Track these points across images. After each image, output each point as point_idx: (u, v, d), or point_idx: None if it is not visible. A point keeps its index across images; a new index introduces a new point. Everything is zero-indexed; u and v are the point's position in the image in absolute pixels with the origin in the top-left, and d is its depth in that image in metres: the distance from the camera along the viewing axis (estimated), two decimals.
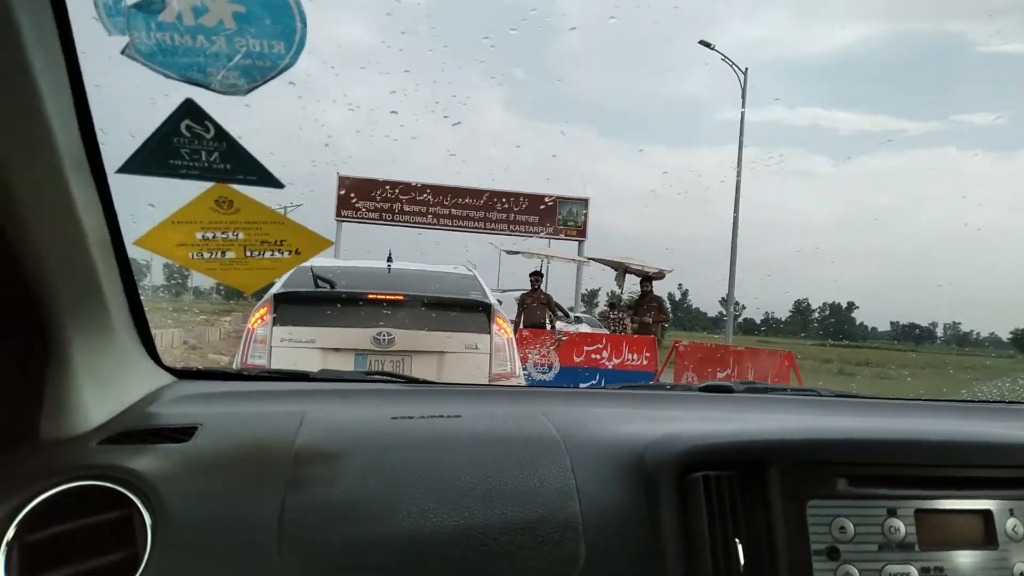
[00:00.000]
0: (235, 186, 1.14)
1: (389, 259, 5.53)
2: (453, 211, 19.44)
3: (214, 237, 1.22)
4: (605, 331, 14.76)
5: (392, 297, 4.63)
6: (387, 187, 18.76)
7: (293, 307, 4.47)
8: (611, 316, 16.07)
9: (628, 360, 11.46)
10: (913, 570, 1.08)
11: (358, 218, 18.77)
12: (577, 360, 11.42)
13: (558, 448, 1.18)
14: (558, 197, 20.03)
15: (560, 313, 13.55)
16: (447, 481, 1.10)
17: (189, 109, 1.03)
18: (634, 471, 1.14)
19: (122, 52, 0.93)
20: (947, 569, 1.09)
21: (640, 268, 14.72)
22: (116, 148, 1.07)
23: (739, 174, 21.48)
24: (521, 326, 11.71)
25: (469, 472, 1.12)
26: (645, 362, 11.53)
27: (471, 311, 4.74)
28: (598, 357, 11.46)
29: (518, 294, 17.18)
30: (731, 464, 1.10)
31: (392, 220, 19.11)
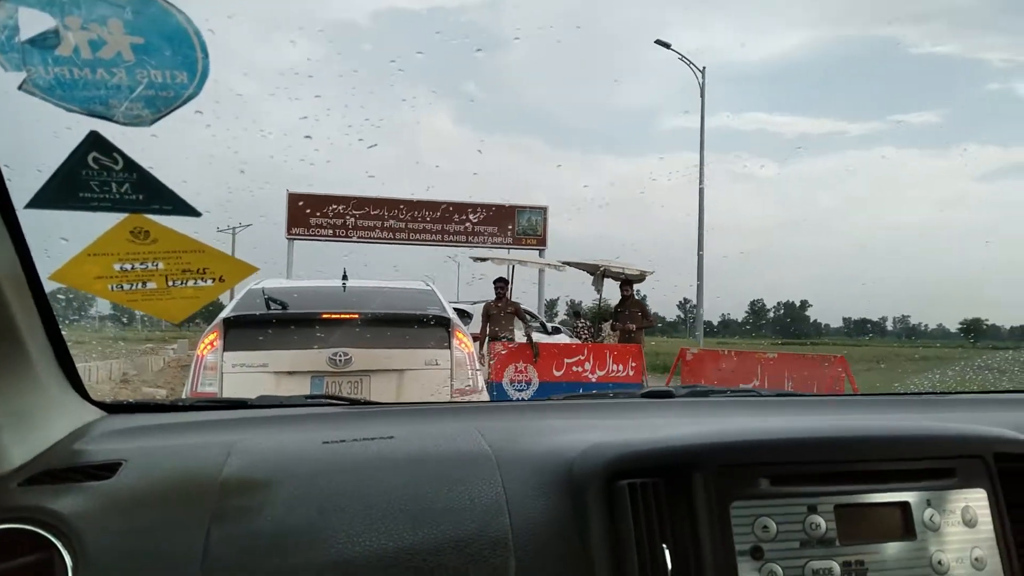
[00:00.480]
0: (151, 216, 1.13)
1: (344, 277, 5.44)
2: (409, 224, 19.13)
3: (133, 268, 1.21)
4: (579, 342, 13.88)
5: (347, 316, 4.53)
6: (339, 203, 18.50)
7: (244, 331, 4.35)
8: (577, 325, 15.63)
9: (613, 371, 10.76)
10: (835, 565, 1.11)
11: (310, 236, 18.43)
12: (557, 374, 10.59)
13: (489, 464, 1.19)
14: (516, 206, 19.82)
15: (533, 322, 12.48)
16: (378, 504, 1.10)
17: (95, 141, 1.02)
18: (563, 482, 1.15)
19: (19, 88, 0.92)
20: (867, 562, 1.12)
21: (620, 270, 13.83)
22: (24, 183, 1.05)
23: (702, 176, 21.71)
24: (488, 339, 10.77)
25: (400, 494, 1.12)
26: (631, 372, 10.82)
27: (430, 326, 4.64)
28: (580, 370, 10.68)
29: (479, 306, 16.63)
30: (656, 470, 1.12)
31: (346, 236, 18.79)
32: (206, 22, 0.90)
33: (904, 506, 1.16)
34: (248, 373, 4.21)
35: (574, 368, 10.65)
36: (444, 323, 4.67)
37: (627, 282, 12.16)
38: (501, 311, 11.03)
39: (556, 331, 16.34)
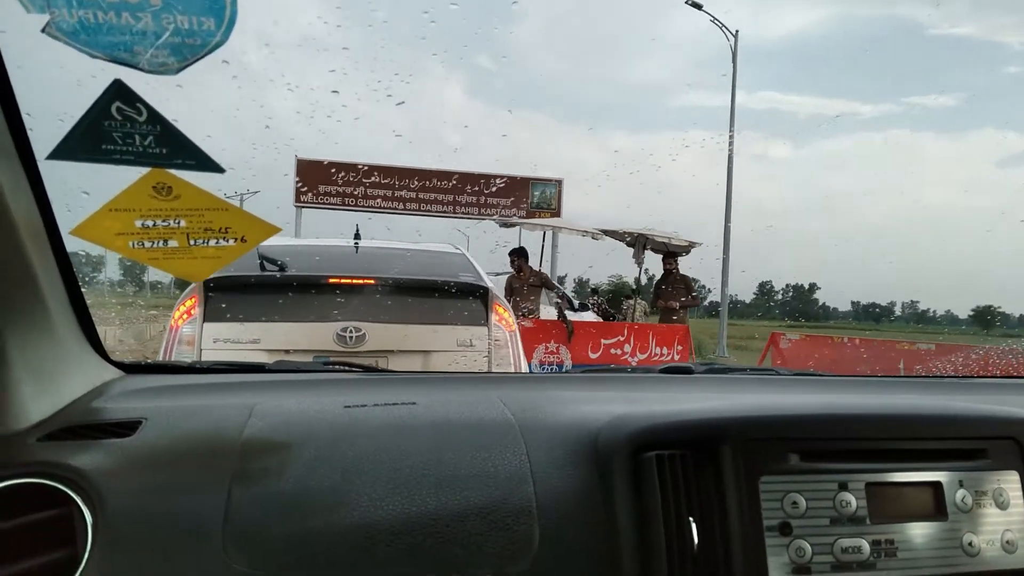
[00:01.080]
0: (173, 171, 1.10)
1: (356, 236, 4.56)
2: (420, 195, 18.87)
3: (154, 225, 1.18)
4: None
5: (361, 281, 3.68)
6: (349, 170, 18.34)
7: (230, 297, 3.50)
8: (590, 303, 14.53)
9: (656, 355, 9.66)
10: (864, 543, 1.09)
11: (319, 204, 18.31)
12: (593, 356, 9.47)
13: (513, 432, 1.17)
14: (530, 178, 19.21)
15: (561, 298, 10.92)
16: (400, 469, 1.09)
17: (119, 91, 0.98)
18: (588, 452, 1.13)
19: (43, 30, 0.89)
20: (897, 541, 1.10)
21: (665, 240, 12.14)
22: (45, 134, 1.02)
23: (732, 143, 21.17)
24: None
25: (423, 459, 1.11)
26: (677, 356, 9.76)
27: (463, 298, 3.77)
28: (619, 352, 9.60)
29: (502, 278, 15.59)
30: (684, 443, 1.11)
31: (355, 205, 18.60)
32: None
33: (936, 486, 1.14)
34: (235, 351, 3.41)
35: (612, 350, 9.65)
36: (481, 294, 3.80)
37: (670, 254, 10.89)
38: (524, 284, 9.92)
39: (584, 308, 14.60)
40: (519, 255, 10.28)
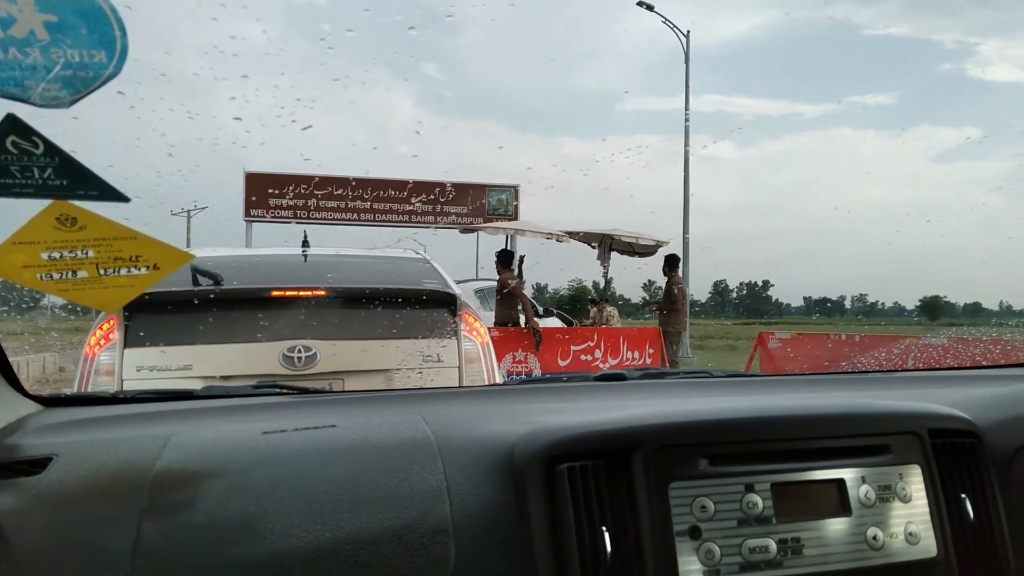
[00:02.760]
0: (77, 202, 1.09)
1: (305, 243, 4.16)
2: (375, 205, 18.62)
3: (61, 257, 1.17)
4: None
5: (310, 293, 3.24)
6: (300, 183, 18.07)
7: (155, 317, 3.03)
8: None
9: (627, 359, 9.52)
10: (771, 542, 1.12)
11: (270, 217, 18.01)
12: (563, 363, 9.22)
13: (431, 450, 1.18)
14: (486, 185, 19.00)
15: (526, 302, 10.88)
16: (316, 495, 1.08)
17: (12, 125, 0.97)
18: (504, 467, 1.15)
19: None
20: (804, 539, 1.14)
21: (632, 240, 12.05)
22: None
23: (687, 140, 21.35)
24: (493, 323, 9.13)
25: (340, 483, 1.11)
26: (649, 359, 9.63)
27: (428, 307, 3.34)
28: (589, 358, 9.41)
29: (476, 285, 13.64)
30: (596, 453, 1.13)
31: (308, 218, 18.28)
32: None
33: (839, 483, 1.18)
34: (162, 380, 2.95)
35: (582, 356, 9.43)
36: (448, 302, 3.37)
37: (644, 254, 10.86)
38: (509, 289, 9.30)
39: (548, 313, 14.31)
40: (507, 255, 9.73)
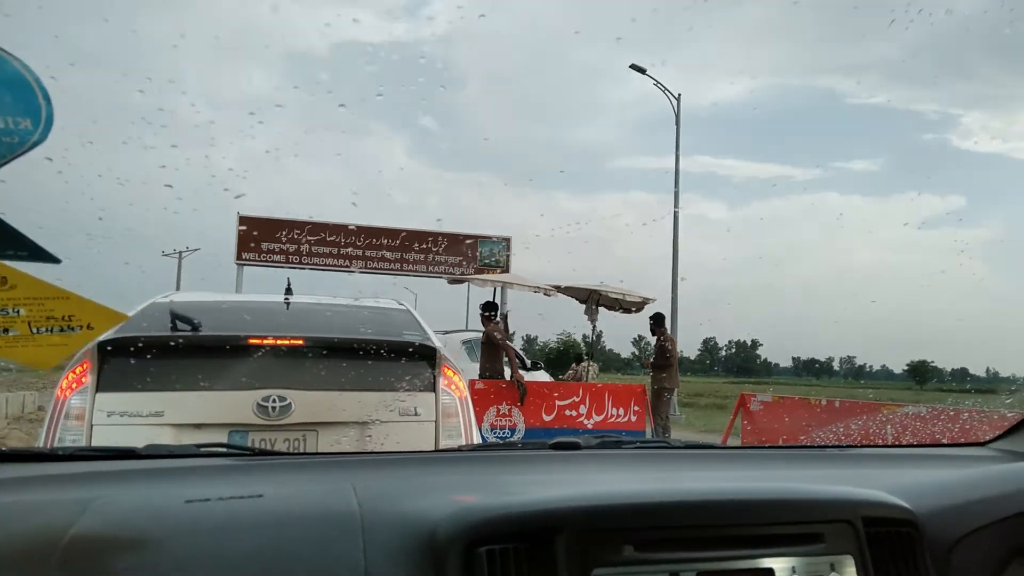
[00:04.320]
0: (6, 262, 1.08)
1: (288, 290, 4.15)
2: (367, 252, 18.69)
3: None
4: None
5: (288, 342, 3.20)
6: (293, 228, 18.13)
7: (129, 362, 2.98)
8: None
9: (612, 416, 9.48)
10: None
11: (261, 261, 18.02)
12: (547, 419, 9.14)
13: (354, 526, 1.15)
14: (478, 236, 19.13)
15: (512, 355, 10.47)
16: (234, 569, 1.05)
17: None
18: (426, 547, 1.11)
19: None
20: None
21: (619, 297, 12.15)
22: None
23: (677, 200, 21.68)
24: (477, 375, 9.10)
25: (260, 557, 1.07)
26: (634, 418, 9.60)
27: (407, 360, 3.31)
28: (574, 414, 9.34)
29: (464, 336, 13.79)
30: (519, 535, 1.09)
31: (299, 263, 18.30)
32: (47, 69, 0.87)
33: (768, 573, 1.15)
34: (132, 427, 2.89)
35: (567, 412, 9.39)
36: (427, 355, 3.33)
37: (630, 310, 10.93)
38: (505, 338, 9.31)
39: (536, 367, 14.15)
40: (492, 307, 9.76)
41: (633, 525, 1.13)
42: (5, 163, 0.94)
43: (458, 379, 3.42)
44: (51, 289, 1.13)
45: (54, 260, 1.08)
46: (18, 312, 1.14)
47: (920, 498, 1.34)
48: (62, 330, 1.19)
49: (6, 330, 1.17)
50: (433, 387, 3.28)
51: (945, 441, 2.19)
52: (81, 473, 1.39)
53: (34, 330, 1.18)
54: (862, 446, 2.09)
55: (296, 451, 3.04)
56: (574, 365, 12.43)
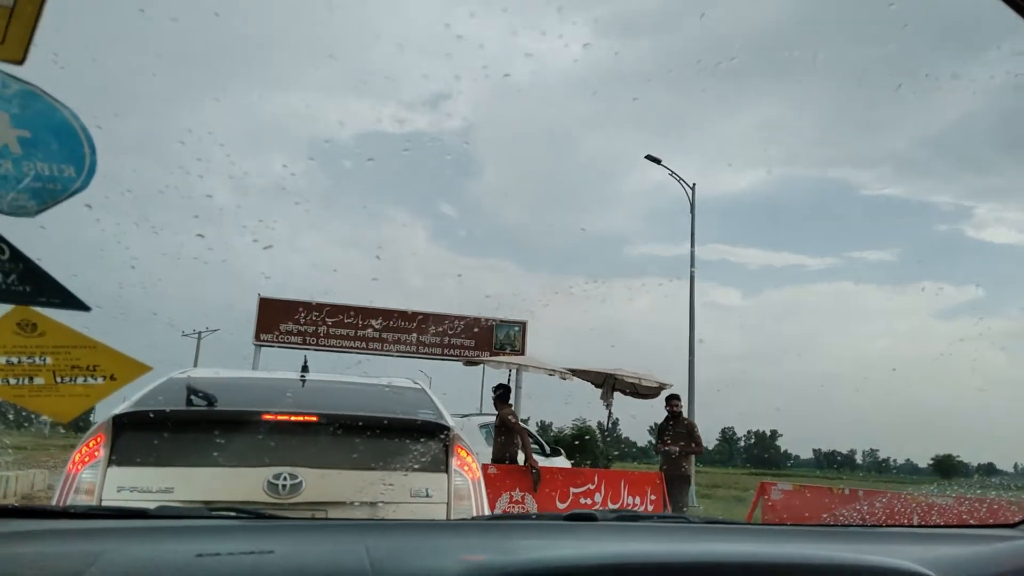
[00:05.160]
0: (38, 308, 1.11)
1: (304, 368, 4.13)
2: (383, 335, 18.81)
3: (19, 362, 1.17)
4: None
5: (302, 419, 3.20)
6: (311, 309, 18.33)
7: (144, 436, 3.01)
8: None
9: (628, 505, 9.27)
10: None
11: (279, 342, 18.14)
12: (561, 506, 8.97)
13: None
14: (494, 319, 18.88)
15: (526, 439, 10.27)
16: None
17: None
18: None
19: None
20: None
21: (635, 381, 12.09)
22: None
23: (692, 290, 21.69)
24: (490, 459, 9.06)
25: None
26: (651, 507, 9.36)
27: (420, 439, 3.25)
28: (589, 501, 9.14)
29: (481, 420, 13.34)
30: None
31: (317, 344, 18.40)
32: (95, 119, 0.92)
33: None
34: (142, 502, 2.78)
35: (582, 499, 9.20)
36: (441, 434, 3.30)
37: (672, 396, 10.39)
38: (509, 426, 9.14)
39: (556, 452, 14.06)
40: (504, 389, 9.57)
41: None
42: (44, 209, 0.97)
43: (471, 460, 3.37)
44: (79, 338, 1.15)
45: (85, 308, 1.11)
46: (45, 360, 1.16)
47: (948, 570, 1.29)
48: (85, 380, 1.20)
49: (31, 379, 1.18)
50: (446, 468, 3.24)
51: (972, 522, 2.11)
52: (92, 529, 1.38)
53: (58, 379, 1.19)
54: (887, 525, 2.02)
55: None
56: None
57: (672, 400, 10.28)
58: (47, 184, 0.96)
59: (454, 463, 3.27)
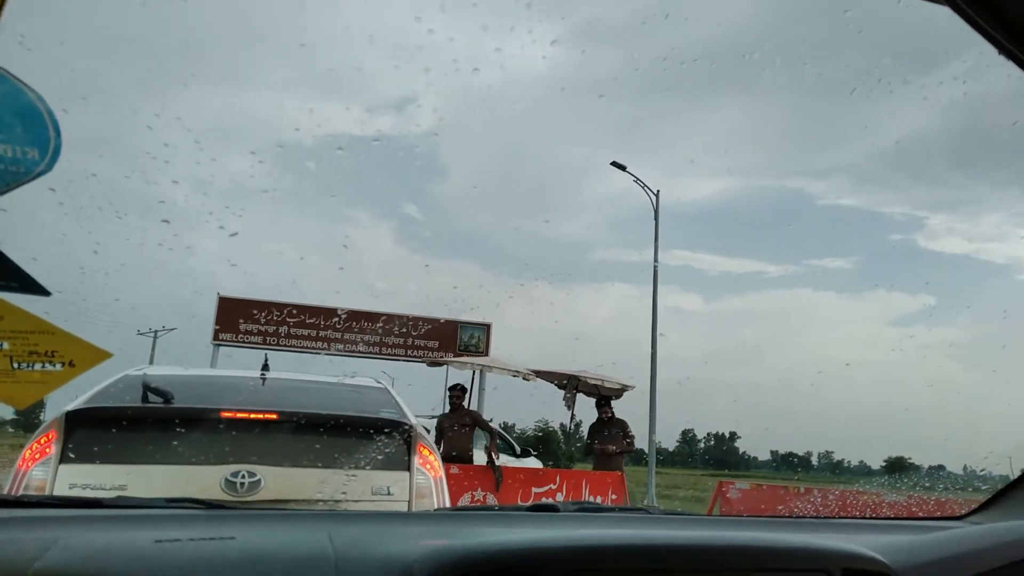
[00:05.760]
0: None
1: (265, 366, 4.12)
2: (346, 335, 18.58)
3: None
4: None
5: (261, 416, 3.15)
6: (272, 309, 18.06)
7: (97, 433, 2.95)
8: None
9: (587, 506, 9.15)
10: None
11: (238, 342, 17.81)
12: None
13: (327, 567, 1.13)
14: (459, 321, 18.91)
15: (494, 439, 10.28)
16: None
17: None
18: None
19: None
20: None
21: (598, 383, 12.11)
22: None
23: (655, 295, 21.85)
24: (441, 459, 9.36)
25: None
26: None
27: (382, 437, 3.25)
28: (551, 501, 9.17)
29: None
30: (498, 572, 1.09)
31: (277, 344, 18.11)
32: (60, 102, 0.91)
33: None
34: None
35: (543, 499, 8.60)
36: (403, 432, 3.29)
37: (604, 398, 10.65)
38: (455, 424, 9.25)
39: (526, 454, 14.06)
40: (459, 390, 9.68)
41: (616, 567, 1.12)
42: (6, 191, 0.97)
43: (434, 458, 3.38)
44: (38, 323, 1.14)
45: (44, 293, 1.10)
46: (1, 345, 1.15)
47: (897, 554, 1.35)
48: (43, 366, 1.19)
49: None
50: (408, 466, 3.24)
51: (921, 515, 2.19)
52: (46, 517, 1.36)
53: (15, 365, 1.18)
54: (840, 517, 2.09)
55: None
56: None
57: (602, 405, 10.45)
58: (10, 166, 0.96)
59: (416, 461, 3.27)
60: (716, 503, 10.06)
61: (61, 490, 2.83)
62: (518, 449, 14.10)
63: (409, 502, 3.17)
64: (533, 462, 13.41)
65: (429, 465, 3.33)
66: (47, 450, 2.90)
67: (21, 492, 2.84)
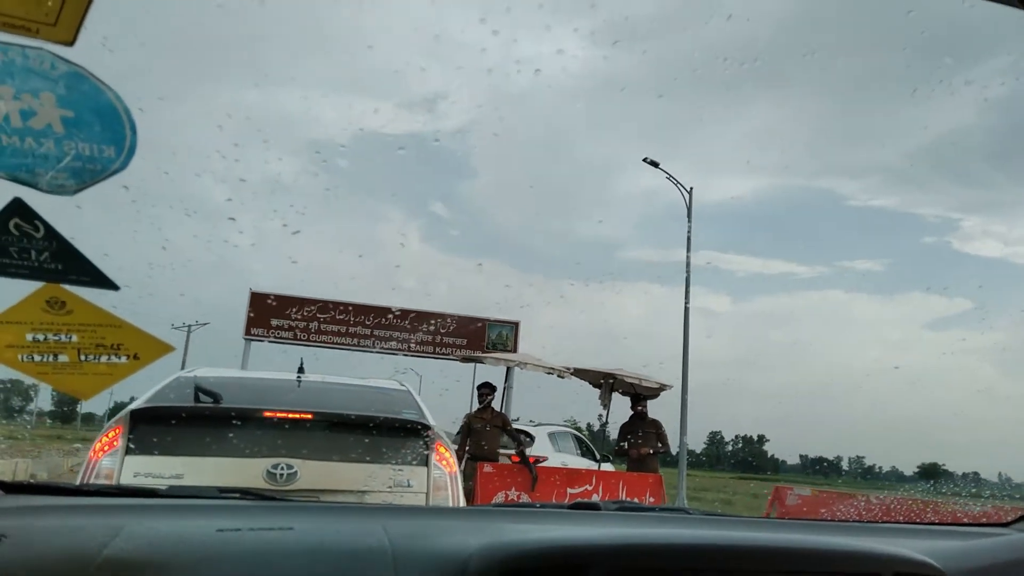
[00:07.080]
0: (67, 287, 1.13)
1: (300, 369, 4.55)
2: (375, 332, 18.64)
3: (45, 339, 1.20)
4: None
5: (297, 416, 3.60)
6: (304, 305, 18.22)
7: (157, 429, 3.43)
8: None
9: (627, 506, 9.03)
10: None
11: (270, 337, 18.00)
12: None
13: (385, 560, 1.15)
14: (487, 319, 18.87)
15: (526, 439, 10.18)
16: None
17: (18, 208, 1.03)
18: None
19: None
20: None
21: (635, 382, 11.69)
22: None
23: (688, 295, 21.62)
24: (467, 457, 9.04)
25: None
26: None
27: (403, 436, 3.70)
28: (591, 500, 9.06)
29: (549, 429, 13.66)
30: (550, 570, 1.10)
31: (308, 340, 18.23)
32: (138, 101, 0.94)
33: None
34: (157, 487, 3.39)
35: (579, 499, 8.94)
36: (422, 432, 3.72)
37: (638, 397, 10.41)
38: (487, 423, 9.26)
39: (605, 459, 13.69)
40: (488, 389, 9.60)
41: (664, 566, 1.13)
42: (83, 188, 1.00)
43: (450, 455, 3.79)
44: (106, 316, 1.18)
45: (114, 287, 1.14)
46: (71, 338, 1.19)
47: (948, 560, 1.33)
48: (109, 358, 1.23)
49: (56, 356, 1.21)
50: (426, 462, 3.66)
51: (967, 521, 2.17)
52: (108, 505, 1.40)
53: (82, 357, 1.22)
54: (888, 522, 2.07)
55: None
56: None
57: (637, 402, 10.30)
58: (87, 164, 0.99)
59: (433, 458, 3.68)
60: (773, 507, 9.78)
61: (127, 478, 3.24)
62: (598, 455, 13.79)
63: (427, 494, 3.57)
64: (608, 467, 12.99)
65: (445, 461, 3.73)
66: (115, 443, 3.34)
67: (93, 479, 3.26)
